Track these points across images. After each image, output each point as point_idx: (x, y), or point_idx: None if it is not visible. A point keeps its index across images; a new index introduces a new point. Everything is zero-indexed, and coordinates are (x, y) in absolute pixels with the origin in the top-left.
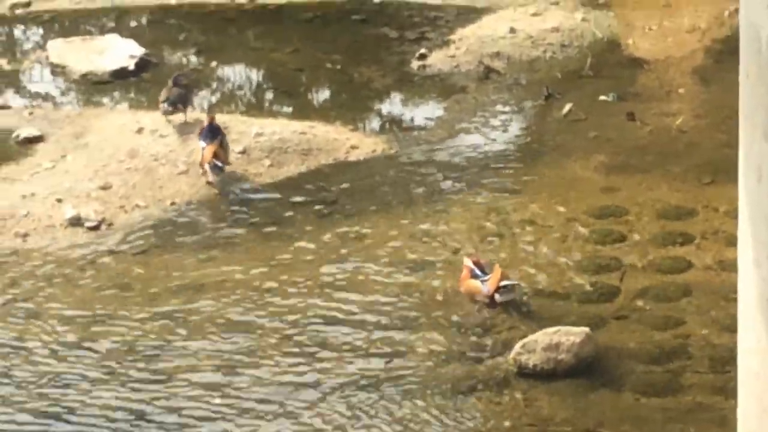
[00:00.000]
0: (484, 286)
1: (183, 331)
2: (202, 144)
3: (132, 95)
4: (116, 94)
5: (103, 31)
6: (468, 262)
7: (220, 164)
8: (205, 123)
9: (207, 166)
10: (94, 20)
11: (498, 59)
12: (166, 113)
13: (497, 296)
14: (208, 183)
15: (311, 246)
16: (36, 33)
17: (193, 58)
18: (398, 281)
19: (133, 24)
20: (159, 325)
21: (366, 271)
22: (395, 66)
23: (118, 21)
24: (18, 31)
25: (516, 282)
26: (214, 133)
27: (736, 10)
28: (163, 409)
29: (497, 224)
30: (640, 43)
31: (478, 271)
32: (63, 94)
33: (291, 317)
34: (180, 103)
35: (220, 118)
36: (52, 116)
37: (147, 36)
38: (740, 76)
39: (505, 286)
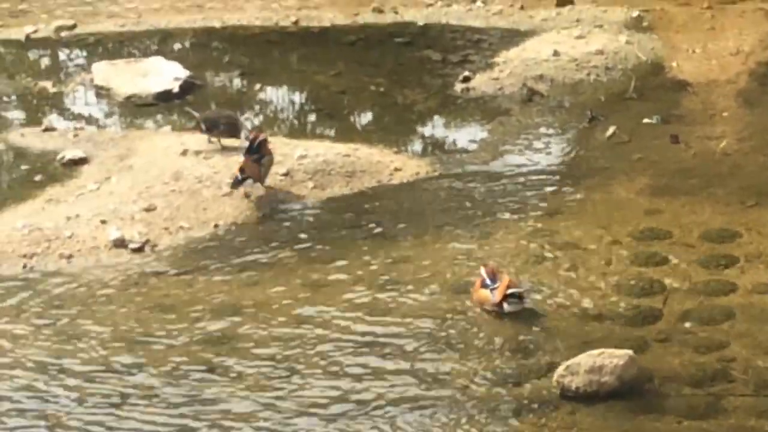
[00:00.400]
0: (492, 295)
1: (225, 354)
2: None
3: (176, 117)
4: (160, 116)
5: (147, 53)
6: (482, 271)
7: (239, 177)
8: (251, 137)
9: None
10: (138, 43)
11: (542, 82)
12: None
13: (505, 305)
14: (246, 196)
15: (355, 268)
16: (81, 55)
17: (237, 81)
18: (442, 304)
19: (177, 46)
20: (201, 348)
21: (410, 293)
22: (439, 88)
23: (163, 43)
24: (63, 54)
25: (524, 289)
26: (252, 149)
27: None
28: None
29: (541, 246)
30: (684, 65)
31: (488, 281)
32: (107, 116)
33: (333, 340)
34: (213, 126)
35: None
36: (96, 138)
37: (191, 58)
38: None
39: (512, 294)
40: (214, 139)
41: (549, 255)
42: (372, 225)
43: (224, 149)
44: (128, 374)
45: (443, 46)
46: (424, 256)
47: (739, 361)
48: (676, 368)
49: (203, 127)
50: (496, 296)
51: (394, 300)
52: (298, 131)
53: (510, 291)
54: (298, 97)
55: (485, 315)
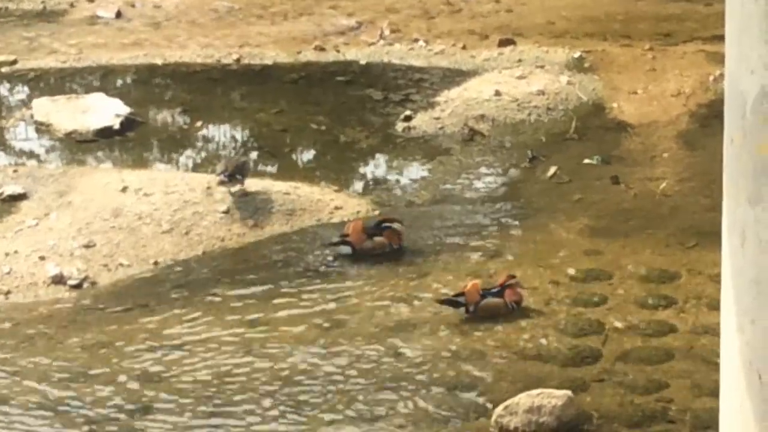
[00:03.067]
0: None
1: (163, 390)
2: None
3: (117, 154)
4: (101, 152)
5: (88, 89)
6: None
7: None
8: None
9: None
10: (79, 79)
11: (483, 122)
12: (223, 183)
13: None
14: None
15: (294, 306)
16: (21, 91)
17: (179, 118)
18: (380, 343)
19: (118, 83)
20: (139, 385)
21: (350, 332)
22: (380, 127)
23: (104, 80)
24: (3, 89)
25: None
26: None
27: (721, 75)
28: None
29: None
30: (625, 106)
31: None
32: (47, 152)
33: (271, 377)
34: (239, 174)
35: (204, 177)
36: (36, 174)
37: (132, 95)
38: (725, 141)
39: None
40: (235, 188)
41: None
42: (312, 265)
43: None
44: (65, 411)
45: (385, 85)
46: (363, 295)
47: (677, 402)
48: (614, 409)
49: (236, 176)
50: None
51: (334, 338)
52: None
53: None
54: (239, 135)
55: (421, 355)
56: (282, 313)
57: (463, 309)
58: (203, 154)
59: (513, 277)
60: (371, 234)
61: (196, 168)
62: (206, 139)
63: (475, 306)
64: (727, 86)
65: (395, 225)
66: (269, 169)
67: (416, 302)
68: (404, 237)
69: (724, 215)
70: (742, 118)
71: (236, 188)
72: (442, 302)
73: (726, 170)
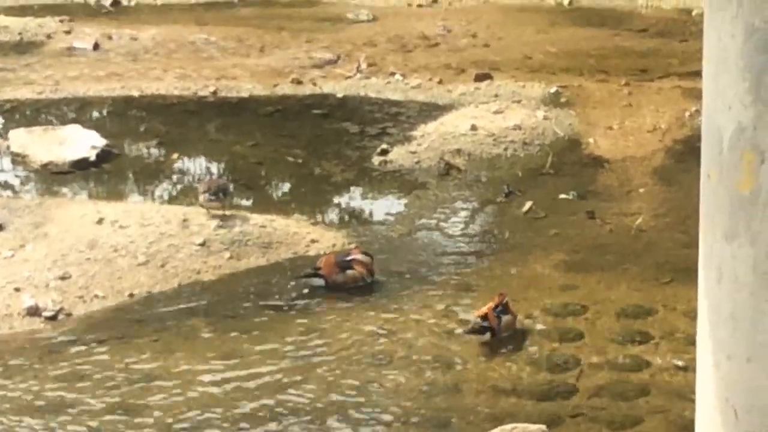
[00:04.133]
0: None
1: (137, 423)
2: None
3: (93, 186)
4: (77, 184)
5: (64, 121)
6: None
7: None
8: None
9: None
10: (55, 110)
11: (459, 156)
12: (207, 204)
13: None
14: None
15: (269, 340)
16: None
17: (155, 150)
18: (353, 378)
19: (94, 115)
20: (114, 417)
21: (324, 366)
22: (356, 161)
23: (80, 111)
24: None
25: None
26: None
27: (697, 111)
28: None
29: (456, 322)
30: (601, 142)
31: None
32: (23, 183)
33: (246, 412)
34: (221, 192)
35: (180, 210)
36: (11, 205)
37: (109, 127)
38: (701, 177)
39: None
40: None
41: (463, 329)
42: (287, 298)
43: (219, 218)
44: None
45: (361, 119)
46: (338, 329)
47: None
48: None
49: (219, 195)
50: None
51: (308, 373)
52: (216, 201)
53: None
54: (215, 167)
55: (394, 388)
56: (257, 347)
57: (488, 334)
58: (179, 186)
59: (503, 295)
60: (343, 267)
61: (172, 200)
62: (182, 172)
63: (497, 328)
64: (705, 122)
65: (360, 256)
66: (245, 201)
67: (390, 336)
68: (375, 269)
69: (701, 251)
70: (719, 154)
71: (218, 210)
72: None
73: (702, 206)
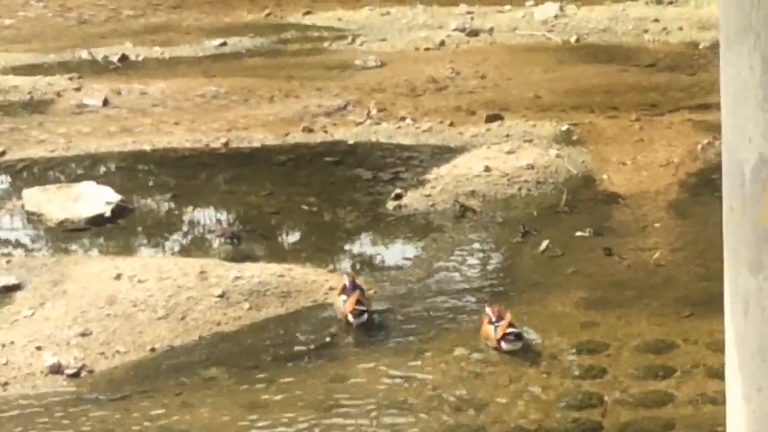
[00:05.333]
0: (495, 333)
1: None
2: (343, 298)
3: (109, 242)
4: (93, 240)
5: (78, 178)
6: (487, 310)
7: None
8: (347, 281)
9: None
10: (68, 168)
11: (474, 198)
12: (221, 247)
13: (503, 344)
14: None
15: (294, 389)
16: (10, 182)
17: (169, 203)
18: (379, 421)
19: (108, 170)
20: None
21: (350, 414)
22: (370, 206)
23: (93, 168)
24: None
25: (521, 330)
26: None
27: (709, 144)
28: None
29: (478, 363)
30: (615, 178)
31: (494, 318)
32: (40, 241)
33: None
34: (235, 238)
35: (197, 262)
36: (29, 264)
37: (122, 182)
38: (724, 210)
39: (510, 334)
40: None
41: (486, 371)
42: (308, 347)
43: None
44: None
45: (373, 164)
46: (360, 376)
47: None
48: None
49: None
50: (498, 333)
51: (335, 421)
52: (232, 252)
53: (509, 330)
54: (230, 218)
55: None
56: (280, 396)
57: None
58: (195, 238)
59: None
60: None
61: (189, 253)
62: (197, 224)
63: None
64: (725, 155)
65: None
66: (261, 252)
67: (412, 381)
68: (367, 304)
69: (726, 284)
70: (741, 187)
71: (233, 245)
72: None
73: (726, 239)
